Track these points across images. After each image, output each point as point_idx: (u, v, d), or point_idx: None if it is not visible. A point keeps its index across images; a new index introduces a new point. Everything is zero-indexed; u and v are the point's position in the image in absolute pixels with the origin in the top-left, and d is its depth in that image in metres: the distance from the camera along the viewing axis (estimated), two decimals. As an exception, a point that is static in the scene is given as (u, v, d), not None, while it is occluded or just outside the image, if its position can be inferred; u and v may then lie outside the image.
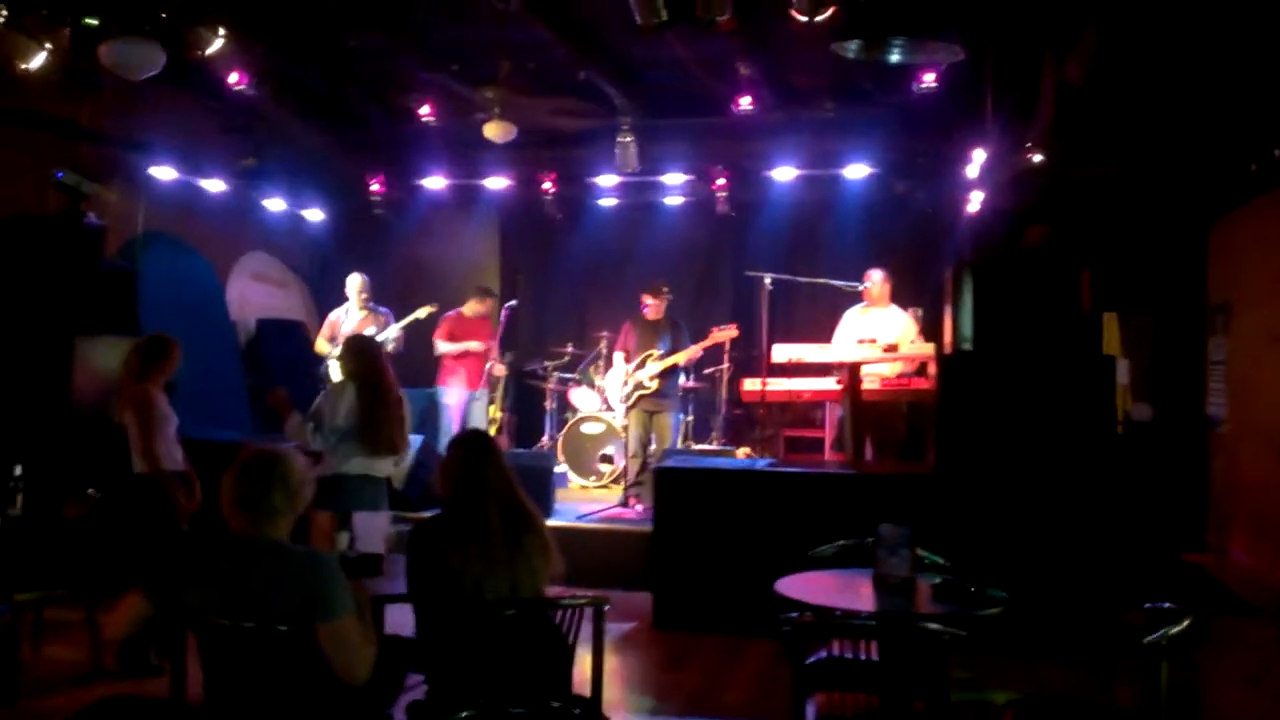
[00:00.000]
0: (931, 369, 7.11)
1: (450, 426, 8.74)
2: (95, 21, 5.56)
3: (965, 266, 6.01)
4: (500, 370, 9.05)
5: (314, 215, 10.20)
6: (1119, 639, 5.21)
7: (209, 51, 6.35)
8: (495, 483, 3.39)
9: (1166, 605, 3.24)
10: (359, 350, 5.52)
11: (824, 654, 3.74)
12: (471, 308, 8.96)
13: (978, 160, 7.84)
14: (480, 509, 3.33)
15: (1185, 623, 3.12)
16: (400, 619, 3.72)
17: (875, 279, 7.86)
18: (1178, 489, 8.72)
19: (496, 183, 9.76)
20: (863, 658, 3.54)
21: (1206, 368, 8.59)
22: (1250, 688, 5.23)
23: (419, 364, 9.02)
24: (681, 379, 8.68)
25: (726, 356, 9.12)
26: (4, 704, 4.48)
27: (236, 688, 2.90)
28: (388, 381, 5.44)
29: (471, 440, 3.55)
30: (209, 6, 6.25)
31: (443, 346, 8.81)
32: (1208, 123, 7.12)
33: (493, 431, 9.44)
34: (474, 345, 8.80)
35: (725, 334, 8.31)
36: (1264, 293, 7.54)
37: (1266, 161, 6.59)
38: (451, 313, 8.89)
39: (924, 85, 7.08)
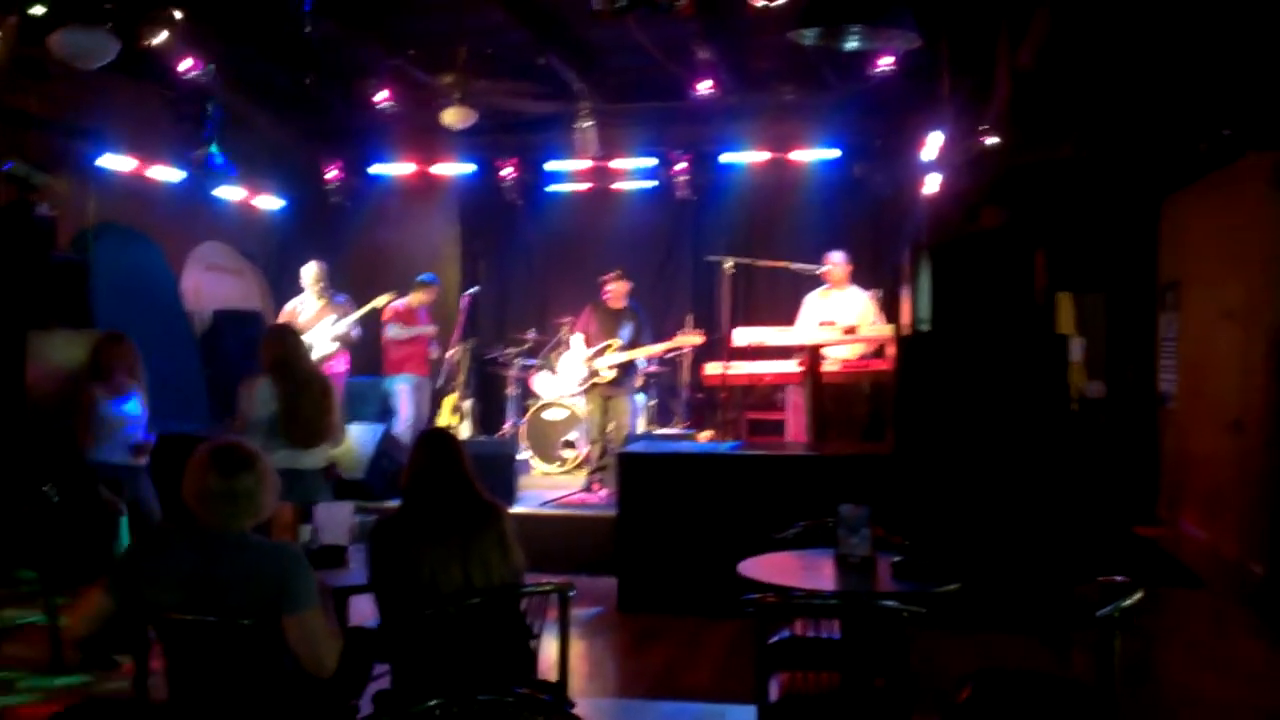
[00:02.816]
0: (890, 350, 7.19)
1: (401, 413, 8.75)
2: (43, 10, 5.46)
3: (922, 248, 6.07)
4: (434, 353, 9.07)
5: (270, 204, 10.09)
6: (1074, 612, 5.33)
7: (161, 39, 6.26)
8: (451, 479, 3.44)
9: (1119, 579, 3.31)
10: (273, 338, 5.47)
11: (787, 633, 3.80)
12: (417, 298, 9.00)
13: (934, 144, 7.93)
14: (435, 504, 3.40)
15: (1137, 595, 3.20)
16: (365, 610, 3.72)
17: (836, 261, 7.93)
18: (1130, 464, 8.89)
19: (456, 169, 9.72)
20: (824, 636, 3.59)
21: (1158, 345, 8.75)
22: (1201, 658, 5.37)
23: (377, 352, 8.99)
24: (641, 364, 8.71)
25: (689, 341, 9.17)
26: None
27: (201, 683, 2.89)
28: (307, 369, 5.35)
29: (431, 438, 3.63)
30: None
31: (393, 330, 8.81)
32: (1158, 103, 7.25)
33: (454, 419, 9.44)
34: (427, 329, 8.84)
35: (690, 339, 8.37)
36: (1213, 270, 7.69)
37: (1215, 141, 6.72)
38: (399, 303, 8.87)
39: (881, 70, 7.14)
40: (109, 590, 2.92)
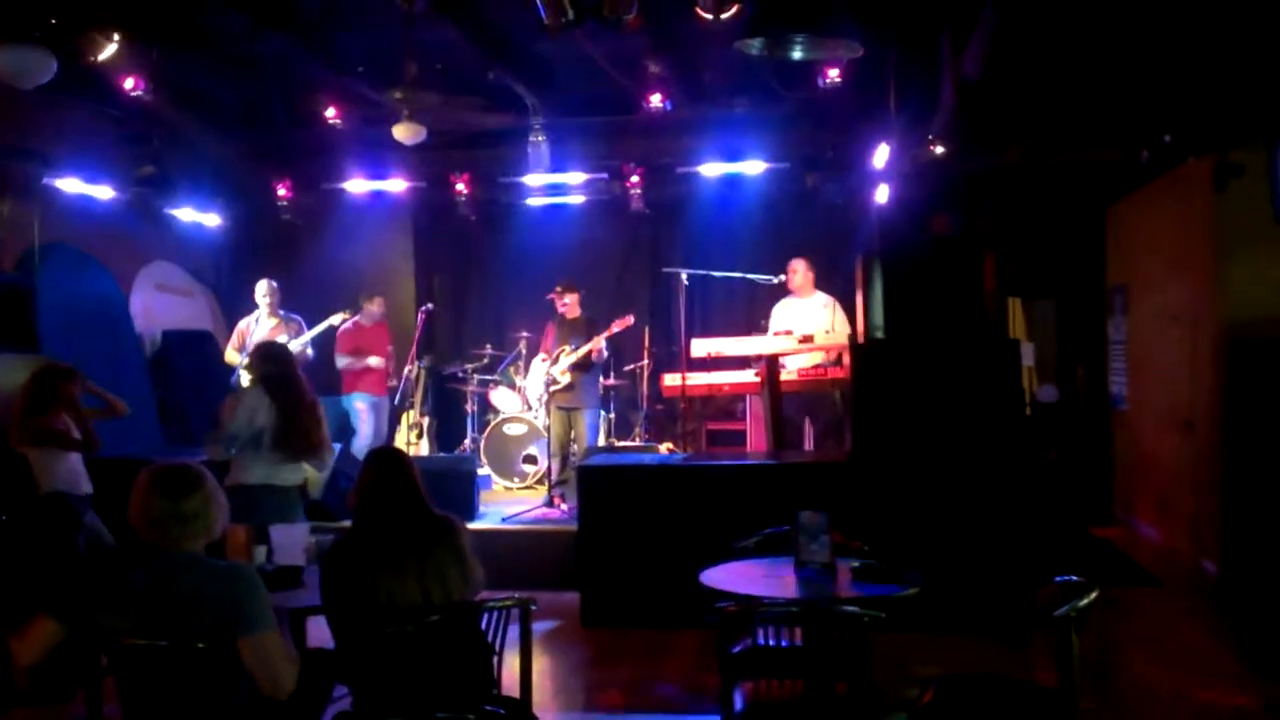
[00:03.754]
0: (847, 358, 7.25)
1: (360, 432, 8.68)
2: (-20, 29, 5.36)
3: (874, 257, 6.14)
4: (392, 381, 9.02)
5: (219, 222, 9.97)
6: (1032, 613, 5.39)
7: (103, 57, 6.16)
8: (403, 497, 3.41)
9: (1075, 579, 3.35)
10: (269, 354, 5.45)
11: (750, 642, 3.81)
12: (369, 314, 8.95)
13: (883, 153, 8.01)
14: (387, 523, 3.36)
15: (1093, 595, 3.24)
16: (323, 632, 3.68)
17: (797, 268, 7.99)
18: (1085, 466, 9.03)
19: (408, 185, 9.66)
20: (786, 643, 3.60)
21: (1107, 348, 8.91)
22: (1158, 656, 5.45)
23: (332, 372, 8.91)
24: (601, 377, 8.70)
25: (646, 353, 9.18)
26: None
27: (156, 709, 2.84)
28: (302, 384, 5.38)
29: (380, 457, 3.59)
30: (101, 11, 6.06)
31: (343, 361, 8.78)
32: (1101, 110, 7.39)
33: (413, 436, 9.37)
34: (374, 361, 8.81)
35: (622, 323, 8.37)
36: (1159, 274, 7.86)
37: (1157, 148, 6.87)
38: (349, 324, 8.80)
39: (829, 81, 7.21)
40: (58, 616, 2.86)
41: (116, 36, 6.11)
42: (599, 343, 8.25)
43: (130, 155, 8.24)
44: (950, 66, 6.80)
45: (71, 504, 5.27)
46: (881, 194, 8.42)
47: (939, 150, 7.45)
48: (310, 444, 5.27)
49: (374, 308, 8.99)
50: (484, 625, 3.40)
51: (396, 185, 9.70)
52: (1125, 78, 6.89)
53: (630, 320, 8.39)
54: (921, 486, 5.69)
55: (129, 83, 7.01)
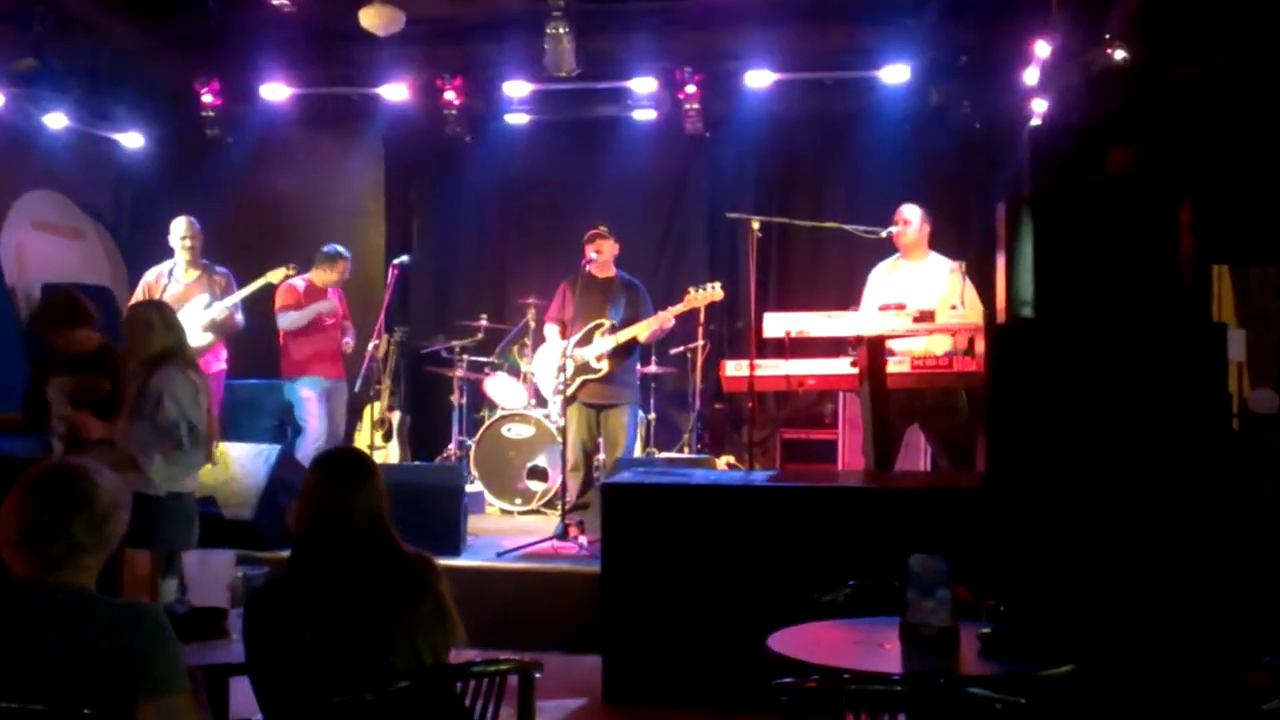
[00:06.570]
0: (981, 344, 7.22)
1: (309, 428, 8.72)
2: None
3: (1024, 203, 6.09)
4: (350, 345, 9.05)
5: (123, 138, 10.09)
6: (1232, 704, 5.35)
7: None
8: (366, 525, 3.41)
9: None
10: (159, 314, 5.56)
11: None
12: (322, 275, 8.93)
13: (1040, 59, 7.95)
14: (342, 563, 3.36)
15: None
16: (251, 697, 3.74)
17: (911, 219, 7.92)
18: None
19: (379, 92, 9.72)
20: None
21: (1351, 339, 8.79)
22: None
23: (270, 348, 8.97)
24: (639, 364, 8.69)
25: (702, 330, 9.17)
26: None
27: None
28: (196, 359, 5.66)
29: (337, 463, 3.57)
30: None
31: (286, 319, 8.80)
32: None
33: (378, 437, 9.44)
34: (324, 306, 8.80)
35: (706, 296, 8.26)
36: None
37: None
38: (296, 281, 8.84)
39: (967, -43, 7.17)
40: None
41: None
42: (667, 320, 8.18)
43: (4, 44, 8.36)
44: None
45: None
46: (1036, 116, 8.37)
47: (1119, 55, 7.38)
48: (212, 441, 5.56)
49: (333, 275, 8.94)
50: (467, 698, 3.43)
51: (364, 92, 9.76)
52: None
53: (720, 294, 8.24)
54: (1080, 526, 5.66)
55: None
